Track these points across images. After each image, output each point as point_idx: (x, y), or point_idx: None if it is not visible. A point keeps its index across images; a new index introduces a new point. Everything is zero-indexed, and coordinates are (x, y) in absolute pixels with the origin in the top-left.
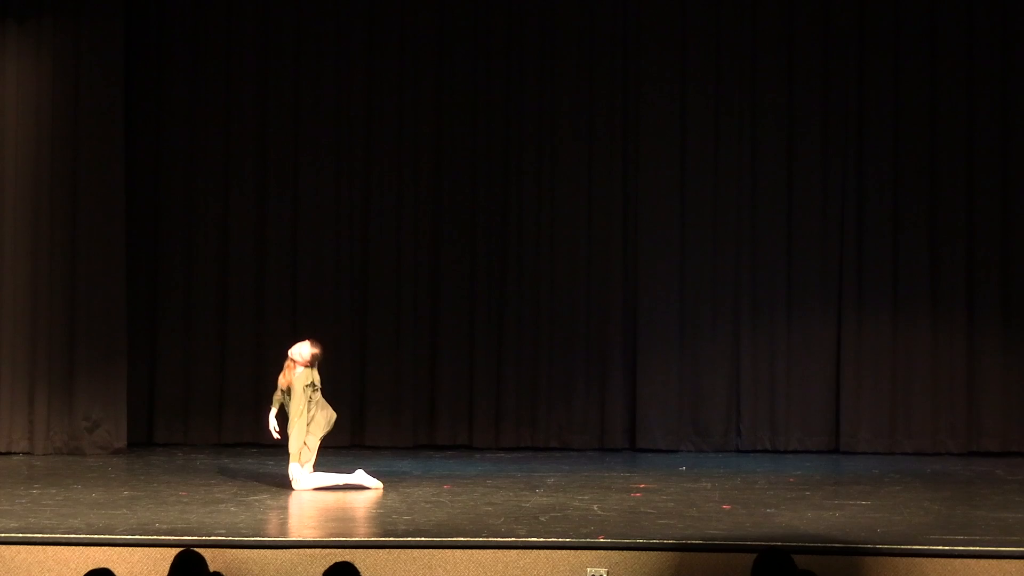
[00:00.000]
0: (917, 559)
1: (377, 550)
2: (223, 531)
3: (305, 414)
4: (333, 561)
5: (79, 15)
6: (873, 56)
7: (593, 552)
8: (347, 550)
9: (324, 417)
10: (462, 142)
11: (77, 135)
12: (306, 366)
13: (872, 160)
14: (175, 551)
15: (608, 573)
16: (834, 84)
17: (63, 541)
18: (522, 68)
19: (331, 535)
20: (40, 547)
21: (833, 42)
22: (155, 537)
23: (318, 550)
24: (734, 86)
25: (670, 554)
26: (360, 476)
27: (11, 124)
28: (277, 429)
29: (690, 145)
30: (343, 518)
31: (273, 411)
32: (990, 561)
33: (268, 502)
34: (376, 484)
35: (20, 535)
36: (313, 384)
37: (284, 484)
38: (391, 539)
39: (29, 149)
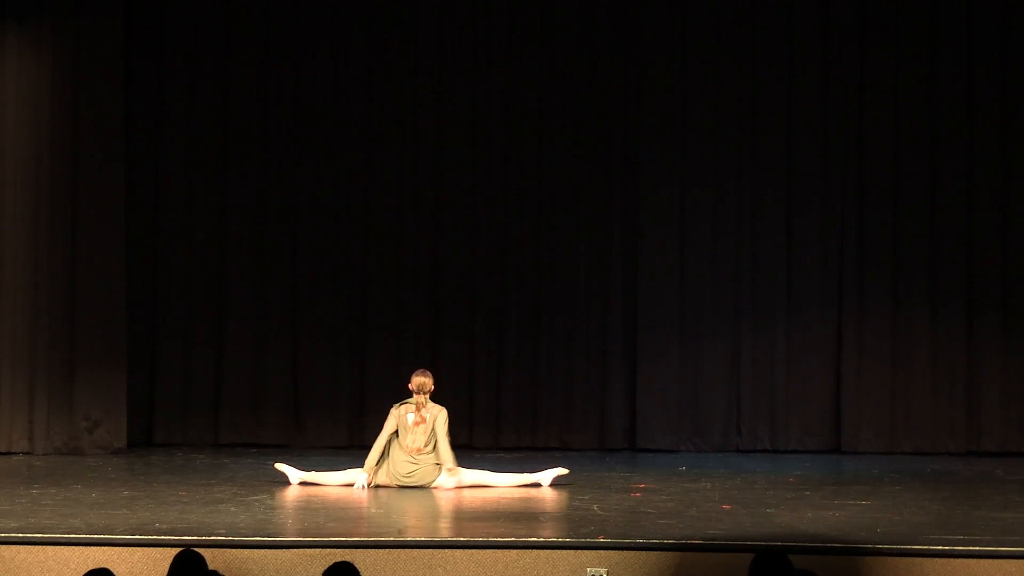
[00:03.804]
0: (917, 559)
1: (377, 550)
2: (223, 531)
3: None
4: (333, 561)
5: (79, 16)
6: (873, 58)
7: (593, 552)
8: (347, 550)
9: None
10: (463, 139)
11: (77, 136)
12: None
13: (872, 160)
14: (175, 551)
15: (608, 573)
16: (834, 85)
17: (63, 541)
18: (523, 68)
19: (331, 535)
20: (40, 547)
21: (833, 45)
22: (155, 537)
23: (318, 550)
24: (734, 90)
25: (670, 554)
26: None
27: (10, 125)
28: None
29: (690, 145)
30: (343, 518)
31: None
32: (990, 561)
33: (268, 502)
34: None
35: (20, 535)
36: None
37: (284, 484)
38: (391, 539)
39: (28, 149)
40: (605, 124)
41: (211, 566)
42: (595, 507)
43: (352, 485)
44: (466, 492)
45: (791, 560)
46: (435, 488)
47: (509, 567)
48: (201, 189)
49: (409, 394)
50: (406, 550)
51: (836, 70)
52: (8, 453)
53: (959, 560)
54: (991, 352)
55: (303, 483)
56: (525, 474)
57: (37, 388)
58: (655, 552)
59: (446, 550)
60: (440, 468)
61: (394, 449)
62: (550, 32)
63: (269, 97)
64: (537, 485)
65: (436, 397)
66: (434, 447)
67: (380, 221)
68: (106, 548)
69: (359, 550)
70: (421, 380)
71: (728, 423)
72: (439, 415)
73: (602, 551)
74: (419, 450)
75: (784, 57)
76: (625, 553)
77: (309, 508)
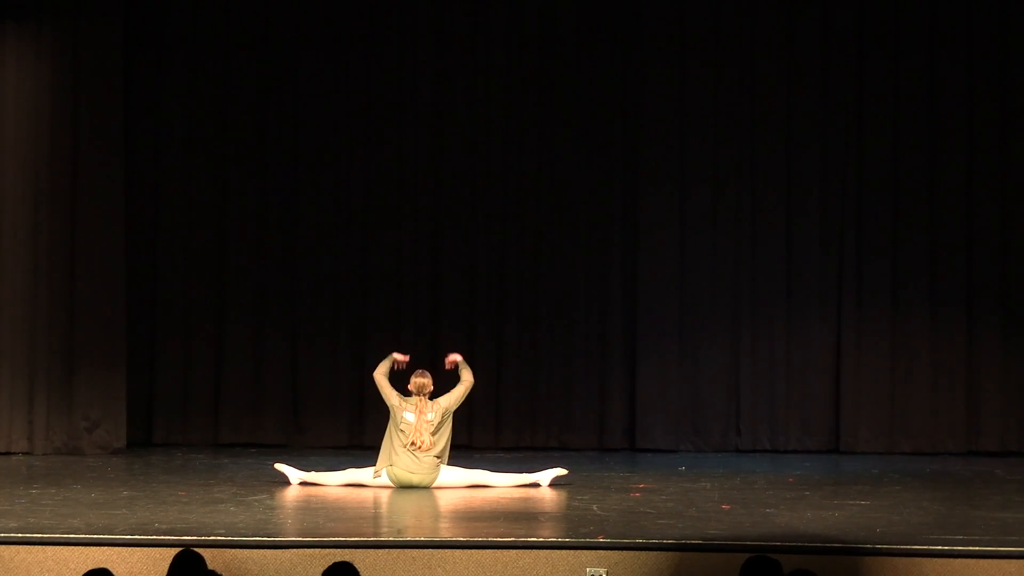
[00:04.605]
0: (917, 559)
1: (377, 550)
2: (222, 531)
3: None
4: (332, 561)
5: (78, 16)
6: (873, 58)
7: (592, 552)
8: (347, 550)
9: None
10: (462, 140)
11: (76, 136)
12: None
13: (871, 160)
14: (174, 551)
15: (607, 573)
16: (833, 85)
17: (62, 541)
18: (523, 67)
19: (330, 535)
20: (39, 547)
21: (833, 44)
22: (154, 537)
23: (317, 550)
24: (734, 90)
25: (669, 554)
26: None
27: (10, 126)
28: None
29: (690, 145)
30: (343, 518)
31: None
32: (990, 561)
33: (267, 502)
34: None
35: (19, 535)
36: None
37: (283, 484)
38: (391, 539)
39: (28, 150)
40: (605, 124)
41: (210, 566)
42: (594, 507)
43: (352, 485)
44: (465, 492)
45: (782, 563)
46: (436, 488)
47: (508, 567)
48: (201, 189)
49: (408, 395)
50: (405, 550)
51: (836, 70)
52: (7, 453)
53: (958, 560)
54: (990, 352)
55: (303, 483)
56: (524, 474)
57: (37, 388)
58: (654, 552)
59: (445, 550)
60: (440, 467)
61: (395, 448)
62: (550, 32)
63: (268, 97)
64: (536, 485)
65: (435, 397)
66: (442, 449)
67: (379, 221)
68: (105, 548)
69: (358, 550)
70: (421, 381)
71: (727, 423)
72: (443, 404)
73: (601, 551)
74: (424, 449)
75: (784, 57)
76: (624, 553)
77: (308, 508)
